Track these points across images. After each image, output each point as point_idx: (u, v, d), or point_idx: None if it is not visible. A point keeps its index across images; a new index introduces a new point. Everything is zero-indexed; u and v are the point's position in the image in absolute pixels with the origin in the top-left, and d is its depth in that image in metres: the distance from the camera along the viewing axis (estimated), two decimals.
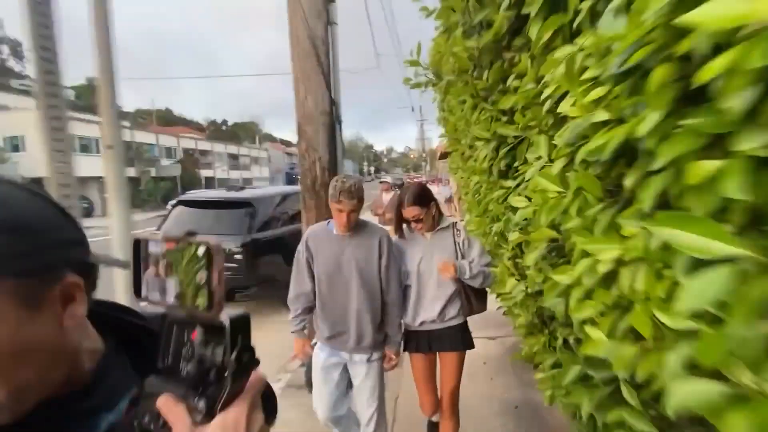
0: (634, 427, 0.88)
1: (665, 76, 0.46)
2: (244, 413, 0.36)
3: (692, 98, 0.48)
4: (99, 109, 1.41)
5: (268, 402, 0.49)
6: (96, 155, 22.67)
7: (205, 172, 33.84)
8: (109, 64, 1.47)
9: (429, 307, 1.99)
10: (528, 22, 1.09)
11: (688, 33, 0.41)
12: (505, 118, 1.53)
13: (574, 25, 0.85)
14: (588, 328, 0.80)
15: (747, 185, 0.40)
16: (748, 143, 0.40)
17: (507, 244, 1.70)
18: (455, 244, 1.99)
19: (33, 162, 22.36)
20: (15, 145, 23.71)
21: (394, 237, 2.04)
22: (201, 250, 0.35)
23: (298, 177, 3.22)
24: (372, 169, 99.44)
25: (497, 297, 2.26)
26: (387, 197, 6.58)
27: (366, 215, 2.55)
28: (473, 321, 2.10)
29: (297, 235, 2.09)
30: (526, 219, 1.24)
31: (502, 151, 1.53)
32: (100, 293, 0.47)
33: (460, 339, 2.03)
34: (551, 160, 1.04)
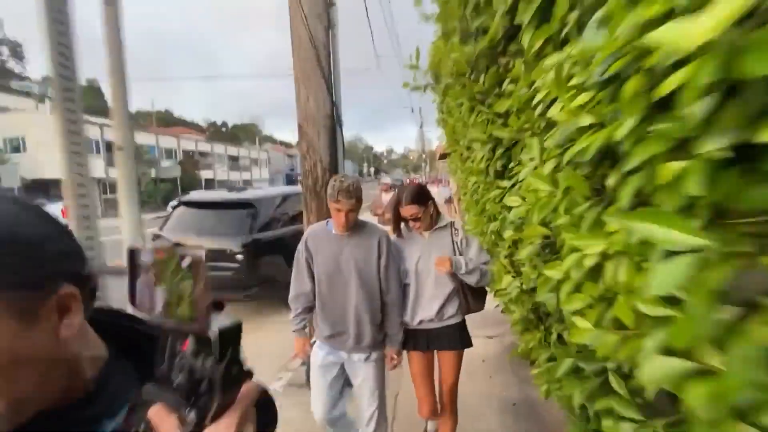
0: (621, 413, 0.93)
1: (637, 86, 0.52)
2: (233, 426, 0.36)
3: (663, 105, 0.53)
4: (110, 112, 1.44)
5: (267, 410, 0.50)
6: (96, 156, 22.70)
7: (205, 174, 33.89)
8: (120, 66, 1.50)
9: (427, 306, 1.99)
10: (521, 30, 1.14)
11: (655, 48, 0.46)
12: (500, 121, 1.58)
13: (563, 35, 0.90)
14: (576, 319, 0.86)
15: (705, 183, 0.45)
16: (707, 146, 0.45)
17: (503, 242, 1.75)
18: (453, 243, 2.00)
19: (33, 163, 22.43)
20: (15, 146, 23.75)
21: (393, 236, 2.05)
22: (185, 262, 0.35)
23: (298, 178, 3.27)
24: (372, 170, 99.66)
25: (495, 294, 2.31)
26: (386, 198, 6.64)
27: (365, 215, 2.58)
28: (472, 320, 2.12)
29: (297, 236, 2.12)
30: (520, 218, 1.30)
31: (498, 153, 1.58)
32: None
33: (458, 338, 2.04)
34: (543, 162, 1.09)
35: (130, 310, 0.49)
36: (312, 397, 2.04)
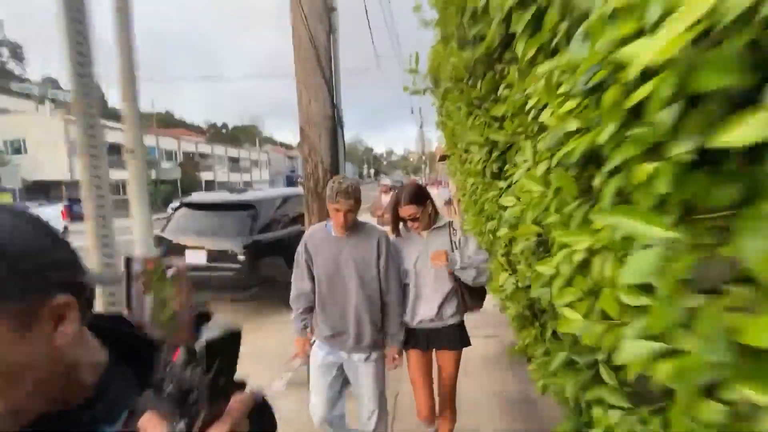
0: (610, 402, 0.98)
1: (615, 95, 0.57)
2: None
3: (638, 113, 0.59)
4: (121, 113, 1.47)
5: (262, 418, 0.51)
6: None
7: (205, 175, 33.93)
8: (130, 67, 1.51)
9: (426, 305, 2.00)
10: (515, 39, 1.20)
11: (627, 62, 0.52)
12: (496, 125, 1.63)
13: (553, 44, 0.96)
14: (566, 311, 0.91)
15: (675, 183, 0.51)
16: (676, 150, 0.51)
17: (499, 240, 1.81)
18: (451, 243, 2.02)
19: (34, 164, 22.49)
20: (16, 148, 23.79)
21: (392, 236, 2.07)
22: (169, 273, 0.36)
23: (299, 180, 3.31)
24: (372, 171, 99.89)
25: (493, 292, 2.35)
26: (386, 199, 6.69)
27: (365, 217, 2.62)
28: (471, 320, 2.14)
29: (297, 237, 2.15)
30: (515, 217, 1.35)
31: (494, 155, 1.64)
32: None
33: (457, 337, 2.06)
34: (536, 163, 1.15)
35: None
36: (311, 397, 2.05)
